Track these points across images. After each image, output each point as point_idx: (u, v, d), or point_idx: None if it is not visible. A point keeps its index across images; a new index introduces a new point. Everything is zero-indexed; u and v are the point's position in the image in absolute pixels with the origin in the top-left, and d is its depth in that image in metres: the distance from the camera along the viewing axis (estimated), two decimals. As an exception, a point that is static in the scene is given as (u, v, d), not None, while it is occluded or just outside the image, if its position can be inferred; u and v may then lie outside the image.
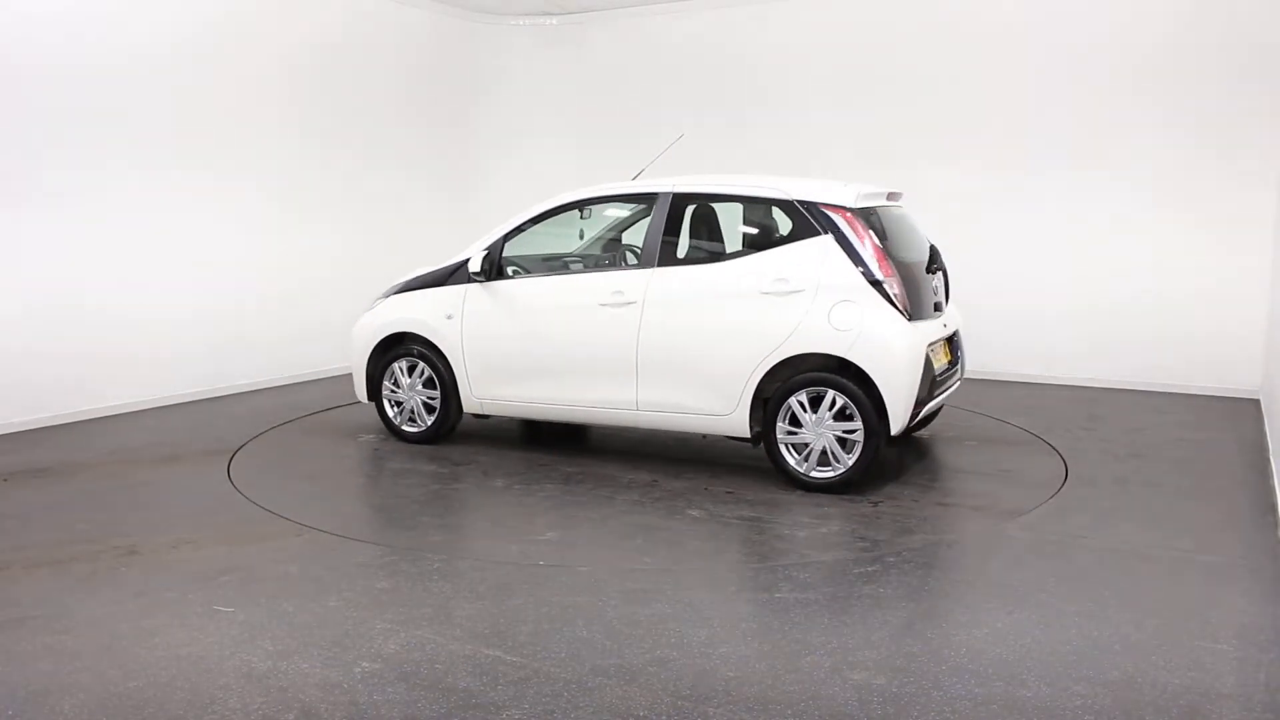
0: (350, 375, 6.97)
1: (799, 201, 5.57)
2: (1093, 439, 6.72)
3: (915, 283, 5.58)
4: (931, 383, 5.53)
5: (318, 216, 8.94)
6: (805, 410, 5.40)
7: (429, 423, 6.56)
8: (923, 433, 6.77)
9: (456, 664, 3.39)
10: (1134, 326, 8.43)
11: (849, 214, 5.45)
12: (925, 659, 3.44)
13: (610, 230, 6.91)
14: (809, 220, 5.52)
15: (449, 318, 6.43)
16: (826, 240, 5.43)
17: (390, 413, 6.71)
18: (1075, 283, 8.61)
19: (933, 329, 5.65)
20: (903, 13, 9.11)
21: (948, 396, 6.08)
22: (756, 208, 5.90)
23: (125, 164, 7.32)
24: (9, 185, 6.65)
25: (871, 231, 5.44)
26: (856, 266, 5.36)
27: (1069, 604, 3.92)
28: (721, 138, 9.81)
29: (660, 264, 5.84)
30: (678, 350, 5.70)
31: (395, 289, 6.83)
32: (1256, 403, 7.83)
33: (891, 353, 5.28)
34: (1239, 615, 3.85)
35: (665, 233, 5.92)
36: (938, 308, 5.85)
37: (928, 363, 5.44)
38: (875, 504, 5.26)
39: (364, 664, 3.39)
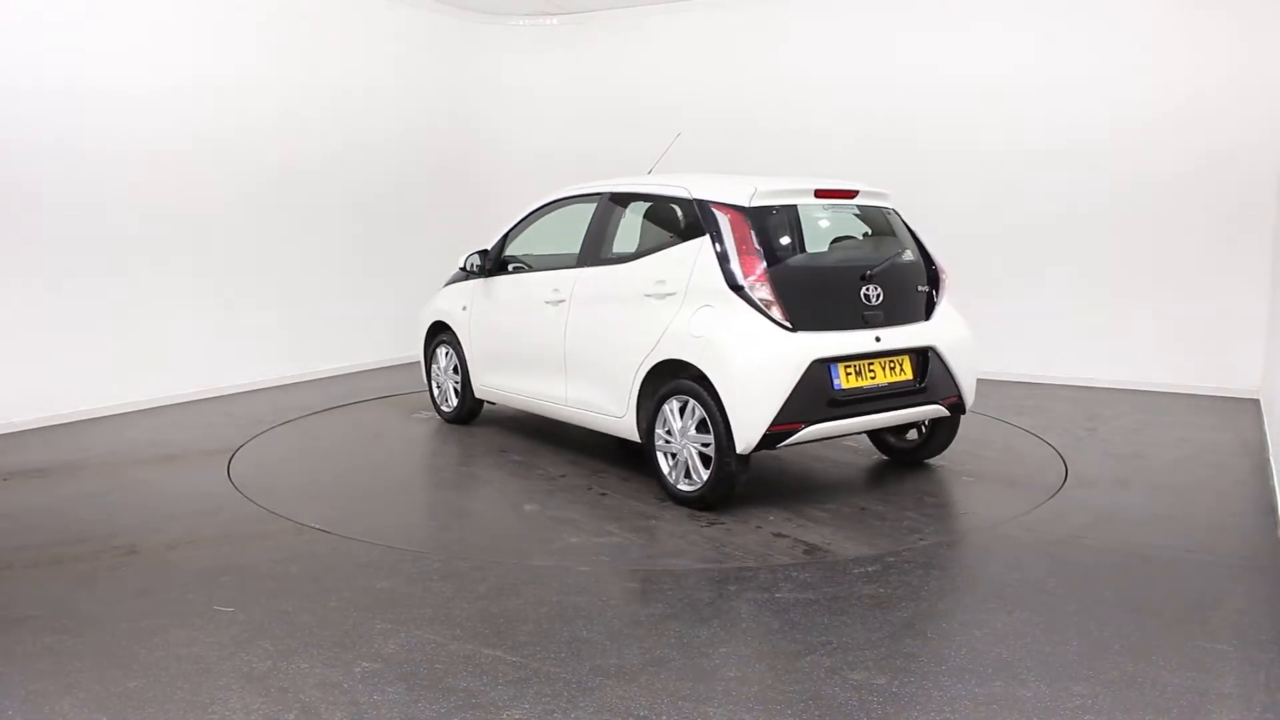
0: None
1: (696, 201, 5.29)
2: (1093, 439, 6.71)
3: (814, 290, 5.11)
4: (840, 403, 4.99)
5: (317, 216, 8.94)
6: (676, 418, 5.14)
7: (454, 405, 7.13)
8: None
9: (456, 664, 3.39)
10: (1134, 326, 8.43)
11: (736, 213, 5.08)
12: (925, 659, 3.44)
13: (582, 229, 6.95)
14: (699, 220, 5.23)
15: (464, 309, 6.84)
16: (703, 241, 5.12)
17: (435, 393, 7.32)
18: (1075, 283, 8.61)
19: (838, 341, 5.02)
20: (904, 22, 9.11)
21: (916, 416, 5.45)
22: (665, 207, 5.64)
23: (125, 164, 7.32)
24: (8, 185, 6.65)
25: (754, 232, 5.02)
26: (721, 269, 5.00)
27: (1069, 604, 3.92)
28: (722, 138, 9.82)
29: (589, 264, 5.85)
30: (589, 349, 5.73)
31: (449, 279, 7.23)
32: (1256, 403, 7.83)
33: (736, 363, 4.84)
34: (1239, 615, 3.85)
35: (597, 232, 5.92)
36: (868, 320, 5.16)
37: (813, 379, 4.88)
38: (862, 508, 5.25)
39: (364, 664, 3.39)
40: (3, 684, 3.26)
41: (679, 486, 5.18)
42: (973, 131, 8.89)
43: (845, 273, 5.27)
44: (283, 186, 8.61)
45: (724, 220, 5.09)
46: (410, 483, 5.92)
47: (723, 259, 5.01)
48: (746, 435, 4.85)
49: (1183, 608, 3.91)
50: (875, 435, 6.09)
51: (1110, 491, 5.52)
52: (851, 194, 5.51)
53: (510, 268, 6.59)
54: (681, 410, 5.12)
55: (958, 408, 5.65)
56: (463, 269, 6.85)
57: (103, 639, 3.59)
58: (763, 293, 4.93)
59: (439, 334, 7.18)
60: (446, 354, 7.10)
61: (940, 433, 5.95)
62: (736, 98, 9.89)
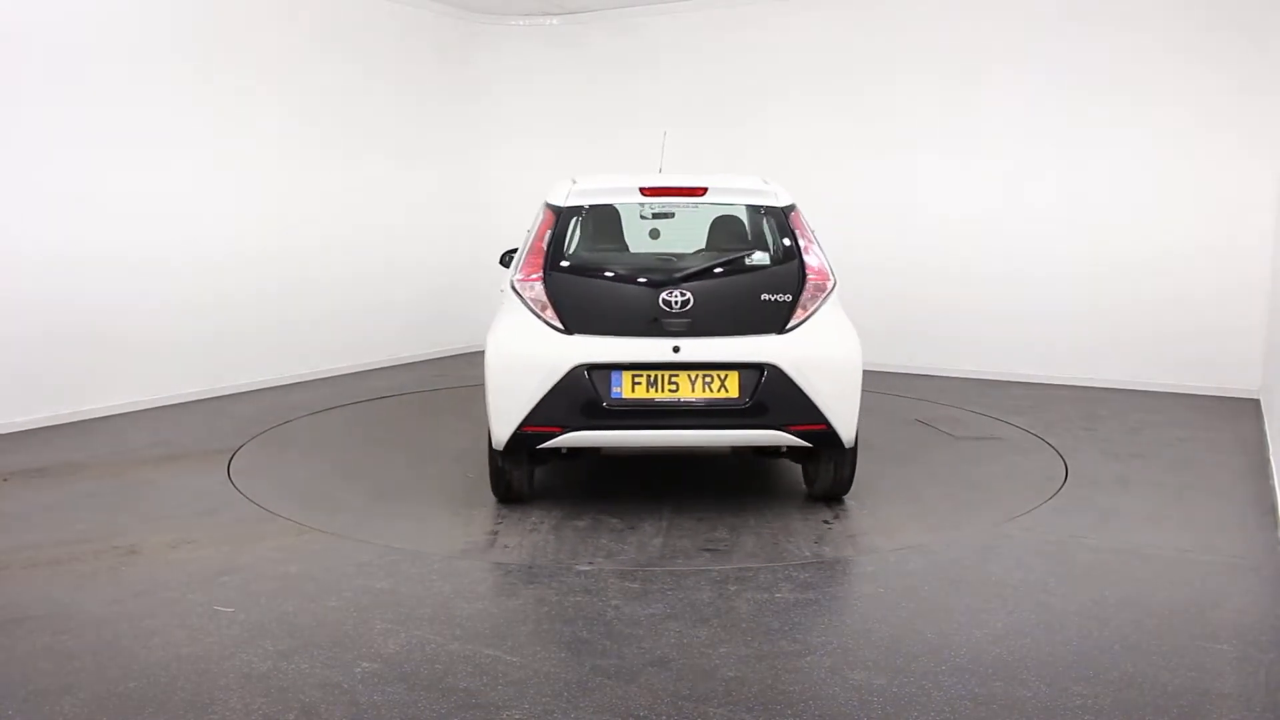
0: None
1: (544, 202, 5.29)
2: (1093, 439, 6.71)
3: (602, 293, 4.91)
4: (617, 413, 4.73)
5: (318, 216, 8.94)
6: None
7: None
8: (915, 434, 6.75)
9: (456, 664, 3.39)
10: (1134, 326, 8.43)
11: (551, 213, 5.07)
12: (925, 659, 3.43)
13: None
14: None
15: None
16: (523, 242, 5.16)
17: None
18: (1075, 283, 8.61)
19: (622, 348, 4.74)
20: (902, 16, 9.11)
21: (748, 441, 4.92)
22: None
23: (125, 164, 7.32)
24: (7, 185, 6.65)
25: (551, 232, 4.97)
26: (513, 268, 5.07)
27: (1069, 604, 3.92)
28: (723, 138, 9.82)
29: None
30: None
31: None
32: (1256, 403, 7.83)
33: (491, 360, 4.83)
34: (1239, 615, 3.85)
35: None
36: (667, 328, 4.75)
37: (577, 384, 4.69)
38: (862, 509, 5.26)
39: (364, 664, 3.39)
40: (3, 684, 3.26)
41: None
42: (972, 131, 8.89)
43: (643, 277, 4.93)
44: (282, 185, 8.61)
45: (540, 220, 5.11)
46: (410, 482, 5.91)
47: (518, 258, 5.06)
48: (498, 432, 4.82)
49: (1183, 608, 3.91)
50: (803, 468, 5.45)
51: (1110, 491, 5.52)
52: (696, 191, 5.12)
53: None
54: None
55: (825, 438, 4.87)
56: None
57: (103, 639, 3.59)
58: (533, 292, 4.86)
59: None
60: None
61: (820, 467, 5.14)
62: (737, 97, 9.88)
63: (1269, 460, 5.99)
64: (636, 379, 4.74)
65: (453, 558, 4.47)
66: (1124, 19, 8.26)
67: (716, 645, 3.55)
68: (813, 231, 5.27)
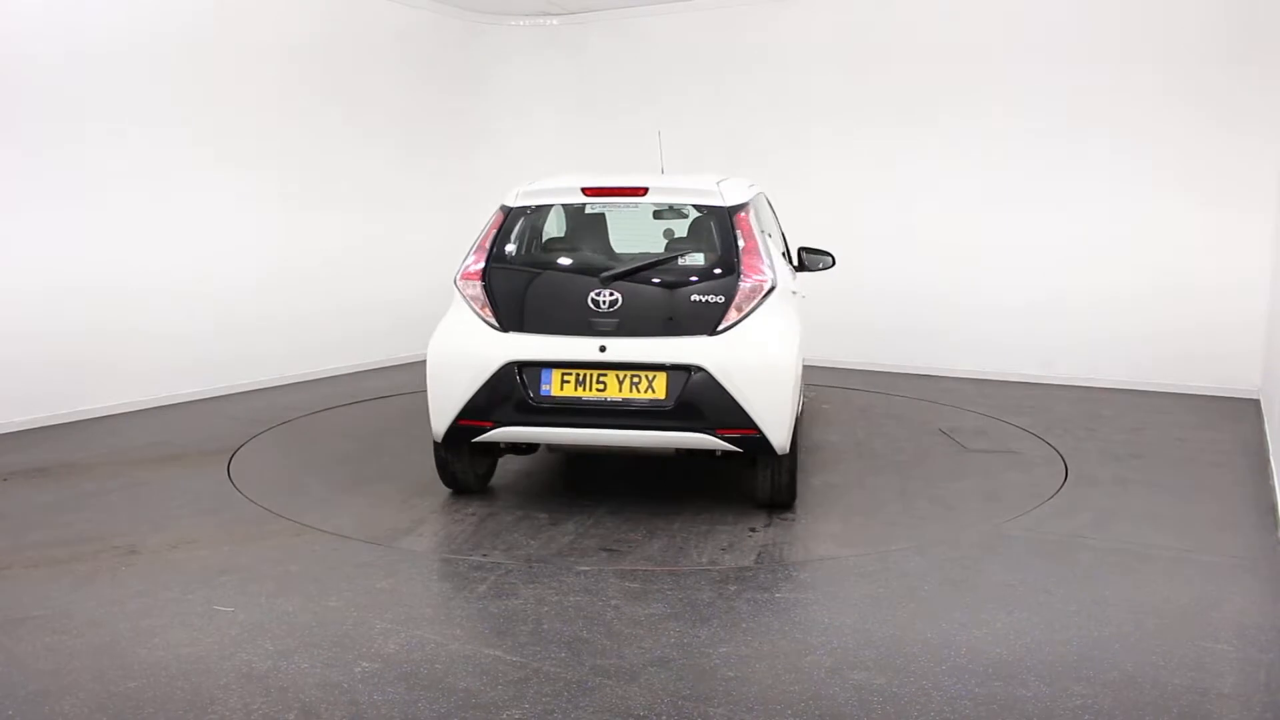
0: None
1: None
2: (1093, 439, 6.71)
3: (537, 292, 4.99)
4: (545, 410, 4.78)
5: (318, 218, 8.94)
6: None
7: None
8: (907, 430, 6.74)
9: (456, 664, 3.39)
10: (1134, 326, 8.43)
11: (500, 214, 5.24)
12: (925, 659, 3.43)
13: None
14: None
15: None
16: None
17: None
18: (1075, 282, 8.61)
19: (552, 346, 4.81)
20: (904, 17, 9.11)
21: (673, 443, 4.80)
22: None
23: (125, 165, 7.32)
24: (7, 185, 6.65)
25: (498, 232, 5.13)
26: (459, 268, 5.20)
27: (1069, 604, 3.92)
28: (723, 138, 9.83)
29: None
30: None
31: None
32: (1256, 403, 7.83)
33: (430, 356, 4.97)
34: (1239, 615, 3.85)
35: None
36: (594, 327, 4.79)
37: (507, 380, 4.78)
38: (862, 509, 5.25)
39: (364, 664, 3.39)
40: (3, 684, 3.26)
41: None
42: (972, 133, 8.89)
43: (576, 276, 5.04)
44: (282, 186, 8.61)
45: (490, 220, 5.24)
46: (411, 483, 5.91)
47: (464, 256, 5.18)
48: (436, 425, 4.98)
49: (1183, 608, 3.91)
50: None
51: (1110, 491, 5.52)
52: (638, 191, 5.13)
53: None
54: None
55: (756, 444, 4.73)
56: None
57: (103, 639, 3.59)
58: (472, 290, 5.01)
59: None
60: None
61: (758, 474, 5.01)
62: (737, 98, 9.88)
63: (1269, 460, 5.99)
64: (566, 377, 4.79)
65: (367, 543, 4.53)
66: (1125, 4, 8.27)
67: (716, 645, 3.55)
68: (765, 234, 5.24)
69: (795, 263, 6.64)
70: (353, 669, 3.35)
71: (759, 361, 4.73)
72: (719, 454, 4.87)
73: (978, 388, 8.54)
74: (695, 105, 10.01)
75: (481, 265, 5.05)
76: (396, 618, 3.77)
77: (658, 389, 4.73)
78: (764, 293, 4.86)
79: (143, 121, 7.42)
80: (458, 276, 5.10)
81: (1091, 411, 7.59)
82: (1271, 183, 7.80)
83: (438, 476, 5.39)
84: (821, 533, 4.84)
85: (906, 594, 4.04)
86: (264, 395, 8.16)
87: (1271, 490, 5.42)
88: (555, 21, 10.67)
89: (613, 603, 3.93)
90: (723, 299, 4.81)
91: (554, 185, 5.30)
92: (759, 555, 4.51)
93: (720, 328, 4.76)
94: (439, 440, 5.03)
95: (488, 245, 5.11)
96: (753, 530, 4.85)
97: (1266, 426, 6.77)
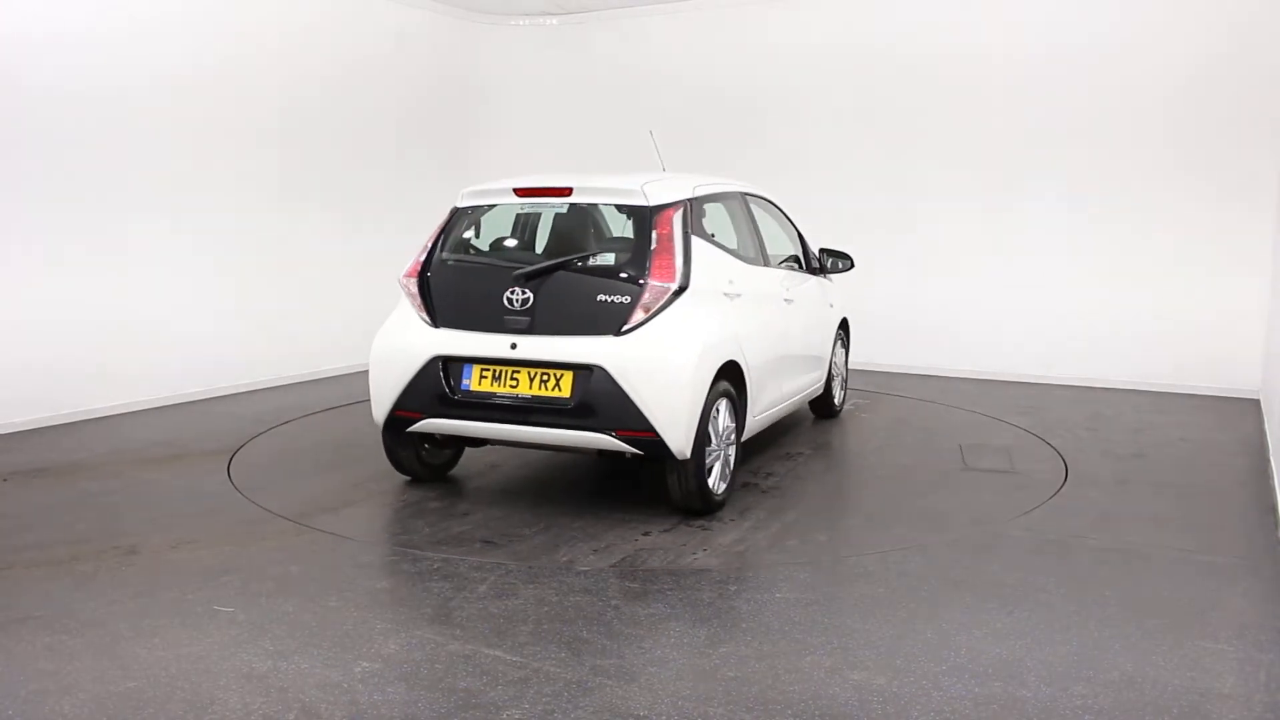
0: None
1: None
2: (1093, 439, 6.71)
3: (464, 290, 5.15)
4: (462, 404, 4.92)
5: (318, 217, 8.94)
6: None
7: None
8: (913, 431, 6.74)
9: (456, 664, 3.39)
10: (1134, 326, 8.44)
11: (449, 214, 5.47)
12: (925, 659, 3.43)
13: None
14: None
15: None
16: None
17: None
18: (1075, 283, 8.61)
19: (472, 342, 4.93)
20: (905, 21, 9.11)
21: (574, 442, 4.84)
22: None
23: (125, 166, 7.32)
24: (11, 187, 6.65)
25: (442, 232, 5.38)
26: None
27: (1069, 604, 3.92)
28: (723, 138, 9.82)
29: None
30: None
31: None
32: (1256, 403, 7.83)
33: (372, 350, 5.24)
34: (1239, 615, 3.85)
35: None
36: (507, 324, 4.89)
37: (433, 374, 4.95)
38: (862, 509, 5.25)
39: (364, 664, 3.39)
40: (3, 684, 3.26)
41: None
42: (972, 134, 8.89)
43: (494, 274, 5.12)
44: (284, 187, 8.61)
45: (441, 221, 5.46)
46: (411, 483, 5.91)
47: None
48: (375, 414, 5.24)
49: (1183, 608, 3.91)
50: None
51: (1110, 491, 5.52)
52: (562, 191, 5.21)
53: None
54: None
55: (654, 447, 4.67)
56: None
57: (103, 639, 3.59)
58: (411, 288, 5.25)
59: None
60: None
61: (666, 478, 4.91)
62: (737, 98, 9.88)
63: (1269, 460, 5.99)
64: (484, 373, 4.95)
65: (367, 542, 4.52)
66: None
67: (716, 645, 3.55)
68: (706, 236, 5.19)
69: (813, 265, 6.69)
70: (353, 669, 3.35)
71: (657, 363, 4.68)
72: (629, 456, 4.83)
73: (978, 387, 8.54)
74: (695, 104, 10.00)
75: (420, 264, 5.29)
76: (396, 618, 3.78)
77: (564, 387, 4.79)
78: (670, 294, 4.81)
79: (140, 126, 7.41)
80: (402, 274, 5.32)
81: (1092, 411, 7.59)
82: (1272, 182, 7.80)
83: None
84: (715, 542, 4.64)
85: (906, 594, 4.04)
86: (264, 395, 8.16)
87: (1271, 490, 5.42)
88: (555, 21, 10.67)
89: (613, 603, 3.93)
90: (628, 299, 4.80)
91: (494, 186, 5.44)
92: (624, 559, 4.41)
93: (625, 328, 4.76)
94: (380, 428, 5.32)
95: (429, 244, 5.35)
96: (647, 534, 4.75)
97: (1266, 426, 6.77)
